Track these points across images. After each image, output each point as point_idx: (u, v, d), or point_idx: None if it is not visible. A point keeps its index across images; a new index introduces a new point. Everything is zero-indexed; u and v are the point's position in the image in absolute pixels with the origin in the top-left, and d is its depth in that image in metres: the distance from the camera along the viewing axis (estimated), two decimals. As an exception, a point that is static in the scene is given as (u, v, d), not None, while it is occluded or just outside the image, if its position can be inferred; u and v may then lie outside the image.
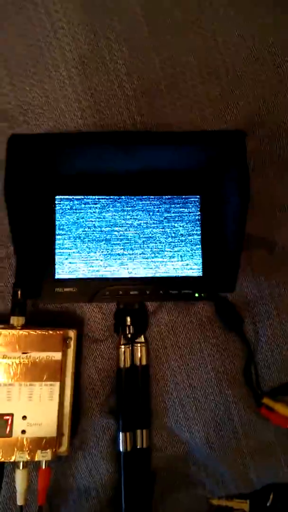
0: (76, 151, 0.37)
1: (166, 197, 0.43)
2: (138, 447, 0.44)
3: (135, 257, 0.43)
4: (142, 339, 0.45)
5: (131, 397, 0.44)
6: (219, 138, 0.35)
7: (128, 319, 0.44)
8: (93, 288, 0.43)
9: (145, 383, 0.45)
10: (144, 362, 0.45)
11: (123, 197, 0.43)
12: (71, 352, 0.42)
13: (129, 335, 0.44)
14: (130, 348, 0.45)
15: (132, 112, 0.42)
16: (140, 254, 0.43)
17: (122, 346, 0.44)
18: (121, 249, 0.43)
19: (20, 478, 0.38)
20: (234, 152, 0.35)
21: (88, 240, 0.43)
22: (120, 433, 0.43)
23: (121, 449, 0.43)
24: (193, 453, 0.46)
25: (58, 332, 0.41)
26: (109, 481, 0.45)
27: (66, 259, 0.43)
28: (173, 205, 0.43)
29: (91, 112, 0.42)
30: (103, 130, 0.40)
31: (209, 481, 0.46)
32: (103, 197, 0.43)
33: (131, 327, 0.44)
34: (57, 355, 0.40)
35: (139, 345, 0.45)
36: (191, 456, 0.46)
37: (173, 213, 0.43)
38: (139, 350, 0.45)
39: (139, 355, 0.45)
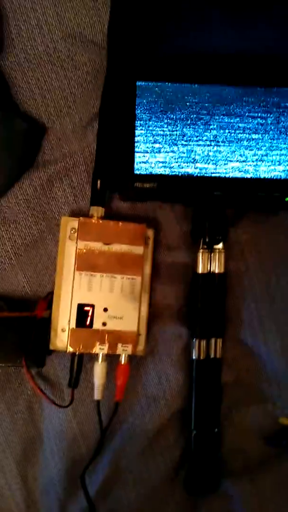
0: (172, 15, 0.33)
1: (268, 88, 0.39)
2: (211, 356, 0.42)
3: (221, 156, 0.40)
4: (221, 246, 0.42)
5: (206, 305, 0.42)
6: None
7: (207, 223, 0.41)
8: (174, 186, 0.40)
9: (222, 292, 0.42)
10: (221, 269, 0.42)
11: (217, 85, 0.39)
12: (149, 251, 0.39)
13: (208, 240, 0.41)
14: (208, 254, 0.42)
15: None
16: (227, 152, 0.40)
17: (200, 251, 0.42)
18: (207, 145, 0.39)
19: (99, 371, 0.37)
20: None
21: (173, 134, 0.39)
22: (194, 340, 0.42)
23: (194, 356, 0.42)
24: (266, 368, 0.44)
25: (140, 226, 0.38)
26: (178, 390, 0.43)
27: (147, 152, 0.39)
28: (272, 98, 0.39)
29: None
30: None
31: (280, 399, 0.44)
32: (195, 85, 0.39)
33: (210, 231, 0.41)
34: (139, 249, 0.38)
35: (217, 251, 0.42)
36: (263, 371, 0.44)
37: (277, 109, 0.39)
38: (217, 257, 0.42)
39: (217, 262, 0.42)
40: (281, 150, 0.40)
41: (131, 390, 0.43)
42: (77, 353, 0.36)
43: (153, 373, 0.43)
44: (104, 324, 0.37)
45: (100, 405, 0.39)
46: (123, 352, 0.37)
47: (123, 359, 0.37)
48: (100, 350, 0.36)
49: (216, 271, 0.42)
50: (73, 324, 0.36)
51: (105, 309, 0.37)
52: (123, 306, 0.37)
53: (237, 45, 0.36)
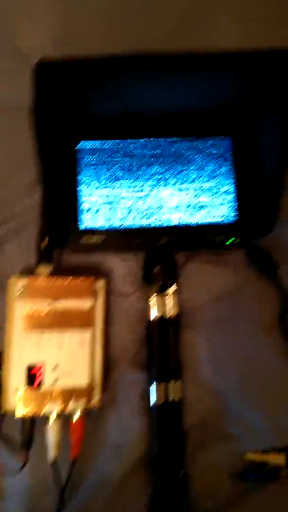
0: (102, 81, 0.35)
1: (197, 138, 0.41)
2: (170, 400, 0.42)
3: (164, 203, 0.41)
4: (172, 289, 0.43)
5: (161, 349, 0.42)
6: (260, 60, 0.33)
7: (157, 269, 0.42)
8: (120, 238, 0.41)
9: (176, 334, 0.43)
10: (174, 313, 0.43)
11: (150, 140, 0.41)
12: (100, 302, 0.40)
13: (159, 286, 0.42)
14: (160, 299, 0.43)
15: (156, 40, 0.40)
16: (169, 200, 0.41)
17: (152, 297, 0.42)
18: (149, 196, 0.41)
19: (51, 431, 0.37)
20: (277, 78, 0.33)
21: (114, 188, 0.41)
22: (152, 385, 0.42)
23: (152, 402, 0.42)
24: (228, 406, 0.44)
25: (88, 279, 0.39)
26: (141, 436, 0.43)
27: (92, 207, 0.41)
28: (204, 148, 0.41)
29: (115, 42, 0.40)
30: (133, 54, 0.38)
31: (243, 435, 0.44)
32: (130, 140, 0.41)
33: (160, 277, 0.42)
34: (87, 303, 0.38)
35: (169, 296, 0.43)
36: (225, 409, 0.44)
37: (205, 156, 0.41)
38: (169, 301, 0.43)
39: (169, 306, 0.43)
40: (218, 196, 0.41)
41: (93, 440, 0.43)
42: (27, 415, 0.36)
43: (114, 421, 0.43)
44: (55, 381, 0.37)
45: (60, 462, 0.39)
46: (75, 408, 0.37)
47: (76, 416, 0.37)
48: (52, 409, 0.36)
49: (170, 314, 0.43)
50: (23, 385, 0.36)
51: (56, 366, 0.37)
52: (74, 362, 0.37)
53: (161, 104, 0.38)
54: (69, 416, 0.38)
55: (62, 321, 0.37)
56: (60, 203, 0.40)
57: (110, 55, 0.34)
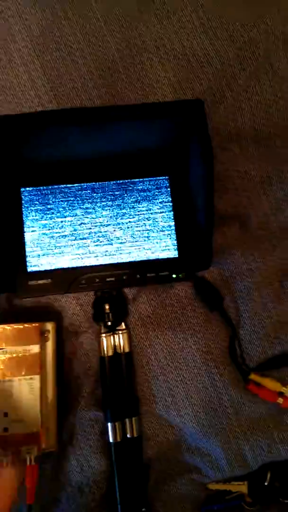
0: (38, 133, 0.36)
1: (135, 180, 0.43)
2: (128, 436, 0.43)
3: (108, 243, 0.42)
4: (123, 326, 0.44)
5: (116, 386, 0.43)
6: (178, 109, 0.35)
7: (107, 306, 0.43)
8: (68, 278, 0.42)
9: (129, 371, 0.44)
10: (126, 349, 0.44)
11: (90, 183, 0.42)
12: (50, 345, 0.41)
13: (109, 323, 0.43)
14: (112, 336, 0.44)
15: (91, 95, 0.42)
16: (113, 239, 0.42)
17: (103, 335, 0.43)
18: (93, 236, 0.42)
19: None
20: (195, 123, 0.35)
21: (58, 230, 0.42)
22: (109, 423, 0.42)
23: (110, 440, 0.42)
24: (185, 438, 0.45)
25: (33, 324, 0.40)
26: (101, 475, 0.43)
27: (37, 251, 0.42)
28: (143, 188, 0.43)
29: (49, 98, 0.41)
30: (64, 108, 0.40)
31: (204, 466, 0.45)
32: (70, 185, 0.42)
33: (110, 314, 0.43)
34: (35, 348, 0.39)
35: (120, 332, 0.44)
36: (183, 441, 0.45)
37: (144, 195, 0.43)
38: (120, 337, 0.44)
39: (121, 343, 0.44)
40: (160, 233, 0.43)
41: (54, 481, 0.43)
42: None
43: (74, 462, 0.43)
44: (5, 429, 0.37)
45: (19, 508, 0.39)
46: (28, 454, 0.37)
47: (29, 461, 0.38)
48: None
49: (121, 351, 0.44)
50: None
51: (5, 414, 0.37)
52: (23, 408, 0.38)
53: (99, 149, 0.39)
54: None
55: (8, 369, 0.38)
56: (6, 247, 0.41)
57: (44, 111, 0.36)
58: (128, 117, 0.36)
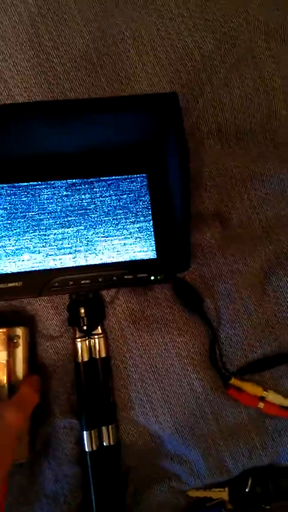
0: (6, 127, 0.34)
1: (112, 178, 0.41)
2: (105, 444, 0.41)
3: (83, 244, 0.40)
4: (99, 330, 0.42)
5: (92, 393, 0.41)
6: (151, 102, 0.33)
7: (82, 310, 0.41)
8: (40, 281, 0.40)
9: (106, 376, 0.42)
10: (103, 354, 0.42)
11: (64, 181, 0.40)
12: (20, 351, 0.39)
13: (85, 327, 0.41)
14: (87, 340, 0.42)
15: (64, 88, 0.40)
16: (88, 240, 0.40)
17: (78, 339, 0.41)
18: (67, 237, 0.40)
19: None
20: (169, 117, 0.33)
21: (29, 230, 0.40)
22: (84, 432, 0.41)
23: (86, 449, 0.41)
24: (164, 445, 0.43)
25: (1, 329, 0.38)
26: (77, 484, 0.42)
27: (6, 252, 0.40)
28: (120, 187, 0.41)
29: (19, 91, 0.39)
30: (31, 101, 0.37)
31: (184, 473, 0.44)
32: (41, 183, 0.40)
33: (85, 318, 0.41)
34: (1, 355, 0.37)
35: (96, 337, 0.42)
36: (162, 448, 0.44)
37: (121, 194, 0.41)
38: (97, 342, 0.42)
39: (97, 348, 0.42)
40: (138, 233, 0.41)
41: (28, 492, 0.41)
42: None
43: (49, 471, 0.42)
44: (-28, 441, 0.35)
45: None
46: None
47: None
48: None
49: (98, 356, 0.42)
50: None
51: (-28, 425, 0.35)
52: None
53: (74, 145, 0.37)
54: None
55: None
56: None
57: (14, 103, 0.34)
58: (97, 110, 0.34)
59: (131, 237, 0.41)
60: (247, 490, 0.44)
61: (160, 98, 0.33)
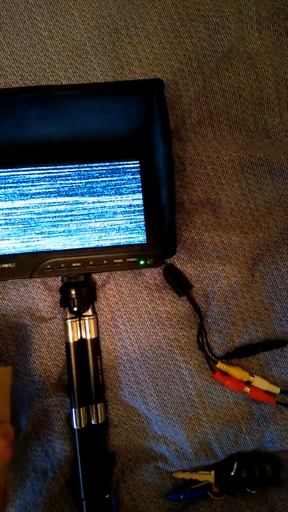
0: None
1: (104, 163, 0.42)
2: (93, 423, 0.43)
3: (75, 227, 0.42)
4: (90, 312, 0.44)
5: (81, 372, 0.43)
6: (137, 88, 0.34)
7: (73, 292, 0.43)
8: (32, 263, 0.41)
9: (96, 357, 0.43)
10: (93, 335, 0.43)
11: (57, 166, 0.42)
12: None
13: (76, 309, 0.43)
14: (77, 322, 0.43)
15: (59, 76, 0.41)
16: (80, 224, 0.42)
17: (69, 320, 0.43)
18: (59, 221, 0.42)
19: None
20: (155, 104, 0.34)
21: (23, 213, 0.41)
22: (73, 409, 0.42)
23: (74, 426, 0.42)
24: (151, 425, 0.44)
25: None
26: (66, 460, 0.43)
27: (1, 233, 0.41)
28: (112, 172, 0.42)
29: (15, 79, 0.41)
30: (22, 86, 0.39)
31: (170, 454, 0.45)
32: (34, 168, 0.41)
33: (76, 300, 0.43)
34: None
35: (86, 318, 0.43)
36: (149, 429, 0.45)
37: (113, 180, 0.42)
38: (87, 323, 0.43)
39: (87, 329, 0.43)
40: (129, 218, 0.42)
41: (19, 467, 0.43)
42: None
43: (39, 448, 0.43)
44: None
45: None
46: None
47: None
48: None
49: (88, 337, 0.43)
50: None
51: None
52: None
53: (67, 131, 0.39)
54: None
55: None
56: None
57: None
58: (83, 95, 0.35)
59: (122, 222, 0.42)
60: (232, 474, 0.44)
61: (146, 84, 0.34)
